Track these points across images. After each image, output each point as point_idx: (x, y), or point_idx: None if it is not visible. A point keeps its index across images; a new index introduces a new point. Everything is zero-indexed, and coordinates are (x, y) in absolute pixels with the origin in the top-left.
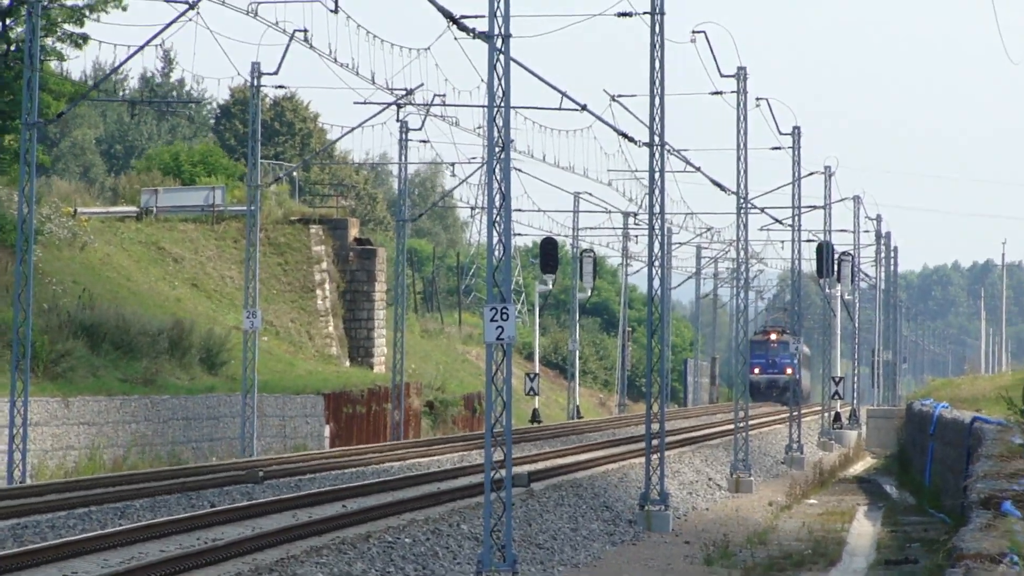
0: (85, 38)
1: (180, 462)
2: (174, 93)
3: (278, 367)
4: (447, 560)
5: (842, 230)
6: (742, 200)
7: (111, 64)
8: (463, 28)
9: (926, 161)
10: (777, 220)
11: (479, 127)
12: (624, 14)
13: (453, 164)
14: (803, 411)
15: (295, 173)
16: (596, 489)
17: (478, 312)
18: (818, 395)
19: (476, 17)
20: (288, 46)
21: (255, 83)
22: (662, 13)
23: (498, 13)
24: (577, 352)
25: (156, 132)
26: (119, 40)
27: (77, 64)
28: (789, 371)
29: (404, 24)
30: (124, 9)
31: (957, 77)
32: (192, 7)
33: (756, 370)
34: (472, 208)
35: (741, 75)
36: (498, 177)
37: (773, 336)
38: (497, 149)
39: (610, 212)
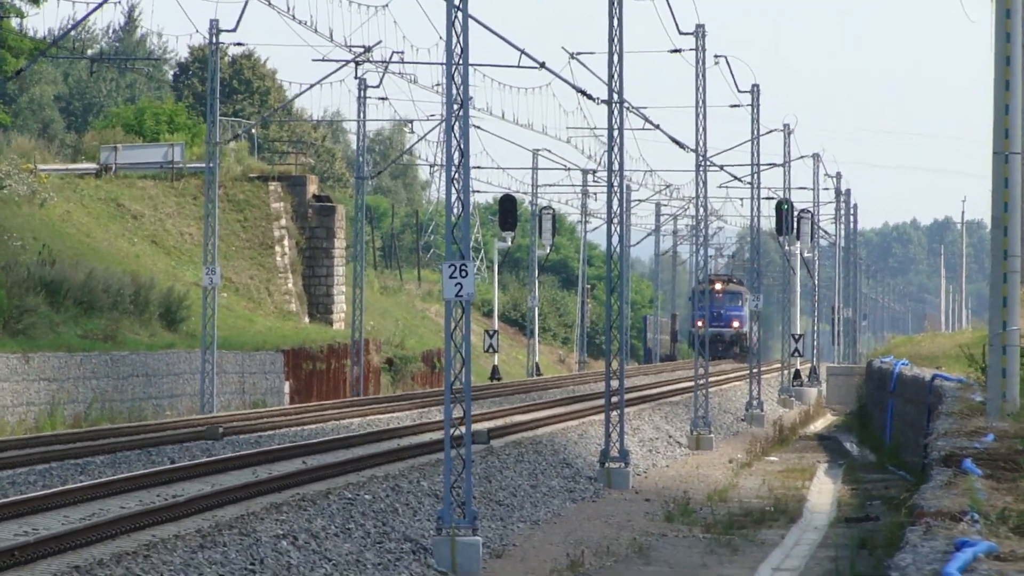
0: None
1: (140, 418)
2: (135, 51)
3: (237, 324)
4: (407, 517)
5: (802, 187)
6: (701, 158)
7: (73, 21)
8: None
9: (886, 119)
10: (736, 177)
11: (438, 84)
12: None
13: (412, 121)
14: (763, 368)
15: (254, 130)
16: (556, 446)
17: (437, 269)
18: (771, 350)
19: None
20: (246, 3)
21: (214, 41)
22: None
23: None
24: (536, 309)
25: (115, 89)
26: None
27: (38, 21)
28: (736, 324)
29: None
30: None
31: (917, 34)
32: None
33: (699, 323)
34: (431, 165)
35: (699, 33)
36: (457, 135)
37: (718, 286)
38: (456, 107)
39: (569, 169)
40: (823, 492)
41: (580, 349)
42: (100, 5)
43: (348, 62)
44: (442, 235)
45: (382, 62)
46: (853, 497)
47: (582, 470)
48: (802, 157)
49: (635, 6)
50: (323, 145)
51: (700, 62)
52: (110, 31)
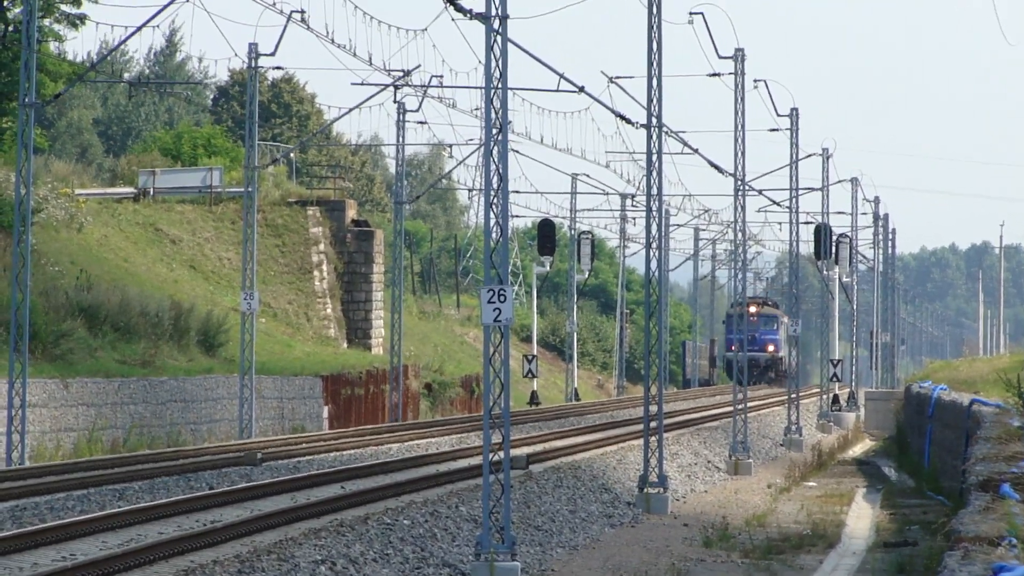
0: (83, 18)
1: (178, 444)
2: (176, 74)
3: (276, 349)
4: (446, 542)
5: (840, 212)
6: (740, 182)
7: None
8: (460, 9)
9: (924, 143)
10: (775, 202)
11: (477, 108)
12: None
13: (451, 146)
14: (801, 393)
15: (292, 155)
16: (595, 471)
17: (476, 294)
18: (809, 375)
19: None
20: (286, 27)
21: (253, 64)
22: None
23: None
24: (575, 334)
25: (154, 114)
26: (122, 21)
27: (77, 45)
28: (771, 348)
29: (401, 5)
30: None
31: (955, 58)
32: None
33: (733, 347)
34: (470, 190)
35: (739, 57)
36: (496, 159)
37: (753, 309)
38: (495, 131)
39: (608, 194)
40: (861, 517)
41: (619, 374)
42: (139, 29)
43: (387, 86)
44: (480, 260)
45: (421, 86)
46: (891, 522)
47: (621, 495)
48: (840, 181)
49: (674, 30)
50: (362, 170)
51: (739, 86)
52: (150, 54)
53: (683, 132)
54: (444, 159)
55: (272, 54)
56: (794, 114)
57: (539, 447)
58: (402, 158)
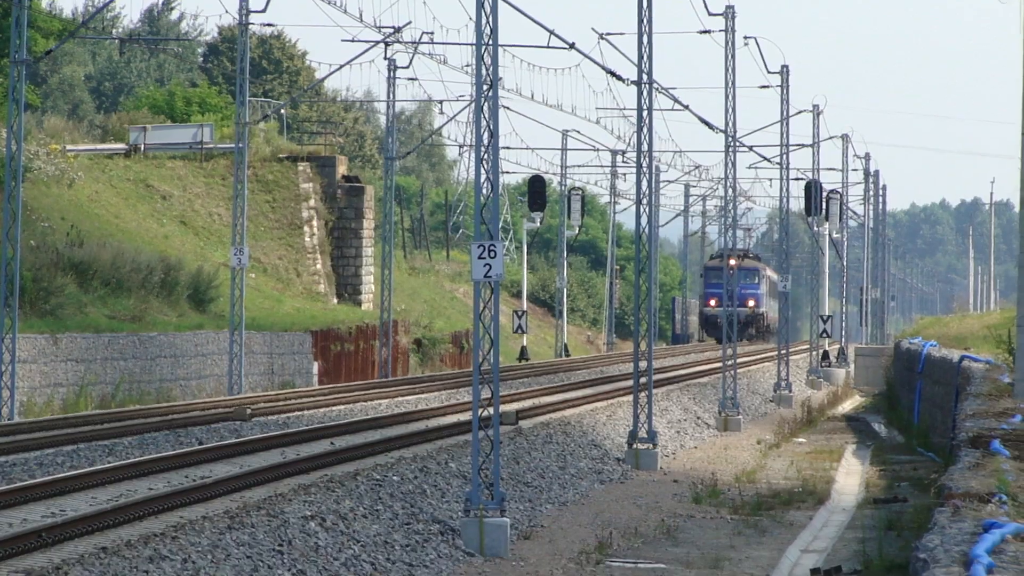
0: None
1: (168, 399)
2: (171, 31)
3: (266, 304)
4: (435, 498)
5: (830, 168)
6: (730, 138)
7: (103, 2)
8: None
9: (915, 100)
10: (765, 158)
11: (467, 65)
12: None
13: (441, 102)
14: (791, 349)
15: (283, 111)
16: (584, 427)
17: (466, 250)
18: (799, 331)
19: None
20: None
21: (243, 20)
22: None
23: None
24: (565, 290)
25: (145, 70)
26: None
27: (67, 2)
28: (752, 304)
29: None
30: None
31: (946, 15)
32: None
33: (712, 302)
34: (460, 146)
35: (729, 14)
36: (486, 115)
37: (732, 262)
38: (485, 87)
39: (598, 150)
40: (851, 473)
41: (608, 330)
42: None
43: (378, 43)
44: (471, 215)
45: (412, 43)
46: (881, 478)
47: (610, 451)
48: (831, 138)
49: None
50: (353, 126)
51: (730, 43)
52: (150, 11)
53: (674, 89)
54: (433, 115)
55: (263, 11)
56: (785, 71)
57: (528, 403)
58: (392, 114)
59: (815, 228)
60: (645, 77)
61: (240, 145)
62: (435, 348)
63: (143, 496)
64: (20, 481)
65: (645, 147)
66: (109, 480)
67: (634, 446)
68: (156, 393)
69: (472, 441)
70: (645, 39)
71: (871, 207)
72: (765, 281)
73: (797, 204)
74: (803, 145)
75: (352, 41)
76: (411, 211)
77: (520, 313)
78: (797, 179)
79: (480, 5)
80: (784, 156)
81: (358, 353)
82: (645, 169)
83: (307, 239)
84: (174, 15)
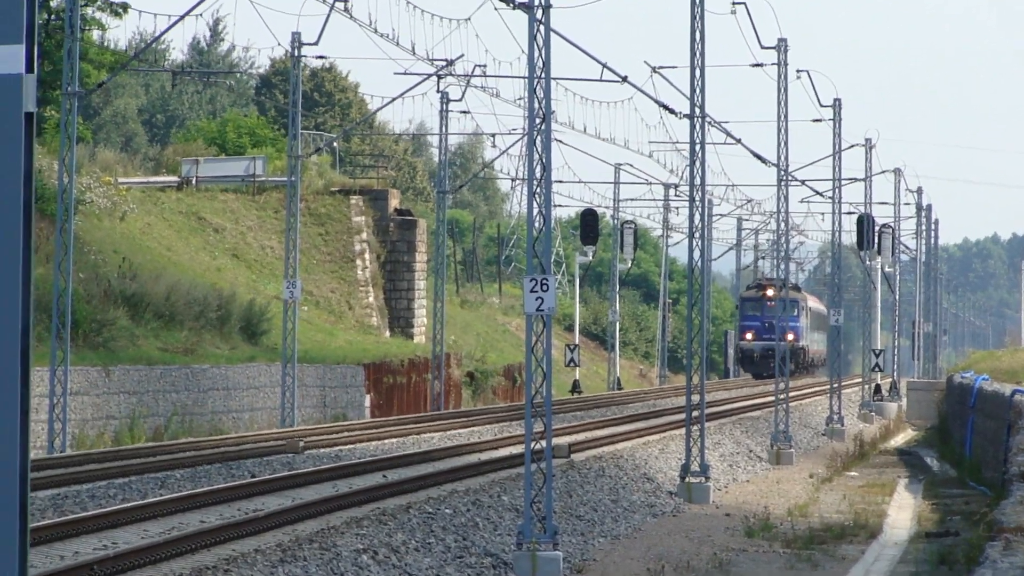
0: (125, 7)
1: (220, 432)
2: (220, 63)
3: (318, 337)
4: (487, 531)
5: (883, 202)
6: (783, 172)
7: (154, 34)
8: None
9: (967, 133)
10: (818, 192)
11: (520, 98)
12: None
13: (494, 135)
14: (843, 383)
15: (335, 144)
16: (637, 461)
17: (518, 283)
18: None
19: None
20: (328, 16)
21: (295, 53)
22: None
23: None
24: (617, 323)
25: (197, 102)
26: (163, 10)
27: (120, 34)
28: (791, 337)
29: None
30: None
31: (998, 49)
32: None
33: (748, 335)
34: (513, 179)
35: (782, 47)
36: (539, 148)
37: (770, 292)
38: (538, 120)
39: (651, 184)
40: (903, 507)
41: (661, 363)
42: (181, 18)
43: (430, 75)
44: (523, 249)
45: (464, 75)
46: (933, 512)
47: (663, 485)
48: (883, 172)
49: (717, 20)
50: (405, 159)
51: (782, 76)
52: (193, 42)
53: (726, 122)
54: (485, 147)
55: (315, 43)
56: (837, 104)
57: (581, 436)
58: (445, 147)
59: (867, 262)
60: (698, 111)
61: (292, 178)
62: (487, 381)
63: (195, 529)
64: (72, 514)
65: (698, 181)
66: (161, 513)
67: (686, 479)
68: (208, 426)
69: (525, 474)
70: (698, 72)
71: (923, 241)
72: (805, 313)
73: (849, 238)
74: (855, 179)
75: (404, 74)
76: (463, 244)
77: (572, 347)
78: (849, 213)
79: (532, 38)
80: (836, 190)
81: (410, 386)
82: (698, 203)
83: (359, 272)
84: (223, 47)
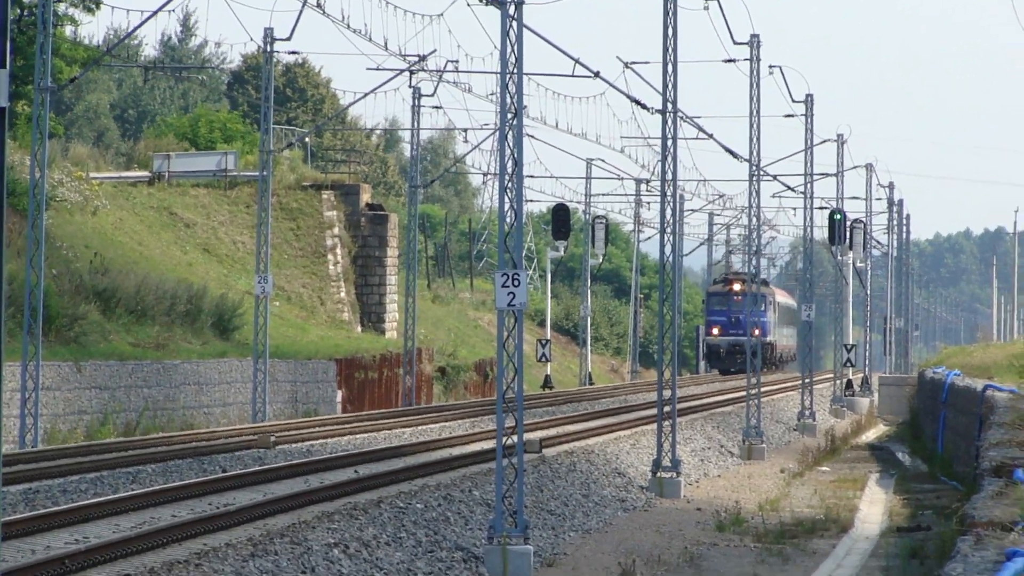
0: (98, 3)
1: (192, 427)
2: (192, 59)
3: (289, 332)
4: (459, 525)
5: (854, 197)
6: (754, 167)
7: (126, 30)
8: None
9: (939, 129)
10: (789, 187)
11: (492, 93)
12: None
13: (466, 130)
14: (815, 378)
15: (307, 139)
16: (608, 456)
17: (490, 278)
18: (825, 361)
19: None
20: (301, 12)
21: (268, 49)
22: None
23: None
24: (589, 318)
25: (169, 97)
26: (135, 6)
27: (92, 30)
28: (758, 332)
29: None
30: None
31: (970, 44)
32: None
33: (714, 330)
34: (484, 174)
35: (754, 43)
36: (510, 144)
37: (736, 287)
38: (510, 115)
39: (623, 179)
40: (874, 502)
41: (632, 359)
42: (154, 14)
43: (402, 71)
44: (495, 244)
45: (436, 71)
46: (904, 507)
47: (634, 479)
48: (855, 167)
49: (690, 16)
50: (376, 154)
51: (755, 72)
52: (163, 39)
53: (698, 117)
54: (457, 142)
55: (288, 39)
56: (809, 100)
57: (552, 431)
58: (416, 142)
59: (839, 257)
60: (670, 106)
61: (264, 173)
62: (459, 376)
63: (166, 523)
64: (43, 508)
65: (669, 176)
66: (132, 507)
67: (658, 474)
68: (180, 421)
69: (496, 469)
70: (670, 68)
71: (895, 236)
72: (773, 308)
73: (821, 233)
74: (827, 174)
75: (377, 69)
76: (435, 239)
77: (544, 342)
78: (821, 208)
79: (505, 34)
80: (808, 185)
81: (382, 381)
82: (669, 198)
83: (331, 267)
84: (193, 43)
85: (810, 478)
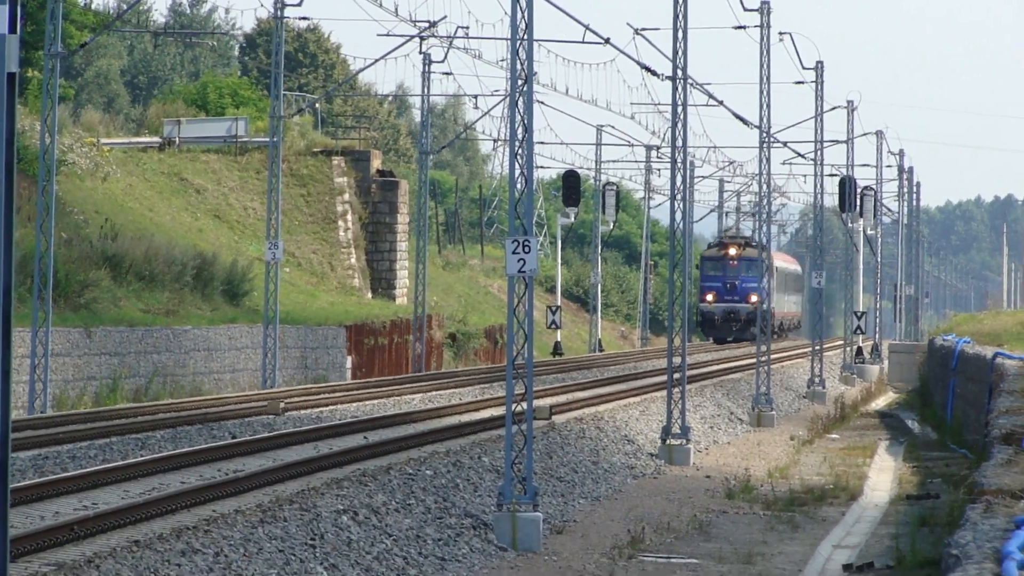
0: None
1: (201, 393)
2: (202, 25)
3: (300, 298)
4: (468, 492)
5: (865, 164)
6: (765, 134)
7: None
8: None
9: (949, 96)
10: (800, 154)
11: (502, 60)
12: None
13: (476, 96)
14: (824, 346)
15: (318, 105)
16: (617, 423)
17: (500, 244)
18: (835, 328)
19: None
20: None
21: (279, 14)
22: None
23: None
24: (599, 285)
25: (180, 63)
26: None
27: None
28: (754, 299)
29: None
30: None
31: (981, 11)
32: None
33: (709, 297)
34: (495, 141)
35: (765, 9)
36: (521, 110)
37: (732, 251)
38: (520, 82)
39: (633, 145)
40: (884, 470)
41: (642, 325)
42: None
43: (413, 37)
44: (505, 210)
45: (447, 37)
46: (914, 475)
47: (643, 447)
48: (865, 134)
49: None
50: (387, 120)
51: (765, 39)
52: (176, 4)
53: (708, 84)
54: (466, 109)
55: (299, 4)
56: (819, 67)
57: (562, 398)
58: (427, 108)
59: (849, 224)
60: (680, 72)
61: (275, 139)
62: (469, 343)
63: (176, 490)
64: (52, 474)
65: (679, 142)
66: (142, 473)
67: (667, 442)
68: (189, 387)
69: (506, 436)
70: (680, 34)
71: (905, 203)
72: (772, 273)
73: (831, 200)
74: (837, 141)
75: (387, 35)
76: (445, 205)
77: (554, 308)
78: (831, 175)
79: (515, 0)
80: (818, 152)
81: (392, 348)
82: (680, 164)
83: (341, 233)
84: (204, 8)
85: (819, 445)
